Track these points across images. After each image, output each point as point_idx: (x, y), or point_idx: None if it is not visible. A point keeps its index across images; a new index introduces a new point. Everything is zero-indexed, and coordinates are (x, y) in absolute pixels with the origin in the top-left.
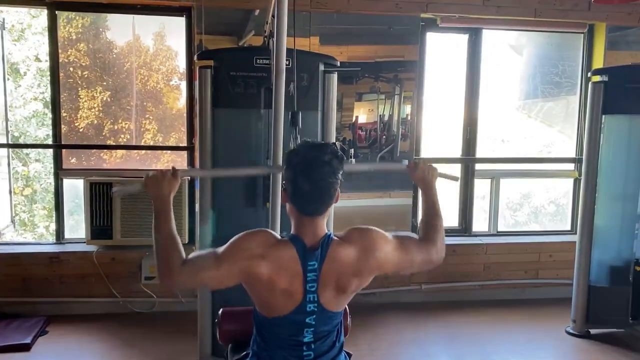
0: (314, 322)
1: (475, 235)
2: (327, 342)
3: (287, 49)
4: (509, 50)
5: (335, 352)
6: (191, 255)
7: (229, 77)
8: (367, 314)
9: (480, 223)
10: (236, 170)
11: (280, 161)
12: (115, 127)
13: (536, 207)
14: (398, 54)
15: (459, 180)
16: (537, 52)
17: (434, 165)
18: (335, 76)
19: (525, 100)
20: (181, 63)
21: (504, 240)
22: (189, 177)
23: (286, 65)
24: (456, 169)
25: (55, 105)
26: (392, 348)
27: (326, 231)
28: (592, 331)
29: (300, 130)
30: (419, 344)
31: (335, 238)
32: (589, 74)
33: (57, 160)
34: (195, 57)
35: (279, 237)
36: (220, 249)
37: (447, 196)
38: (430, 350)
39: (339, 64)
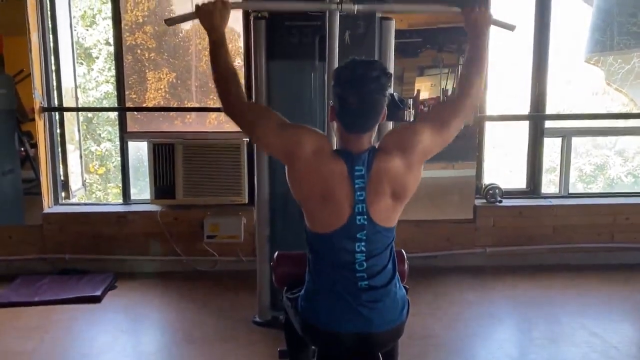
0: (364, 237)
1: (544, 197)
2: (379, 263)
3: None
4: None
5: (389, 276)
6: (258, 102)
7: (284, 27)
8: (428, 276)
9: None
10: (290, 4)
11: None
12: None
13: (612, 178)
14: (461, 20)
15: (514, 30)
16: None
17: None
18: (393, 23)
19: (600, 52)
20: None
21: (575, 202)
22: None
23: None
24: (524, 127)
25: (118, 69)
26: (454, 308)
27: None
28: None
29: None
30: (482, 305)
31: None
32: None
33: (122, 124)
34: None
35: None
36: (286, 121)
37: (515, 157)
38: (494, 311)
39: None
